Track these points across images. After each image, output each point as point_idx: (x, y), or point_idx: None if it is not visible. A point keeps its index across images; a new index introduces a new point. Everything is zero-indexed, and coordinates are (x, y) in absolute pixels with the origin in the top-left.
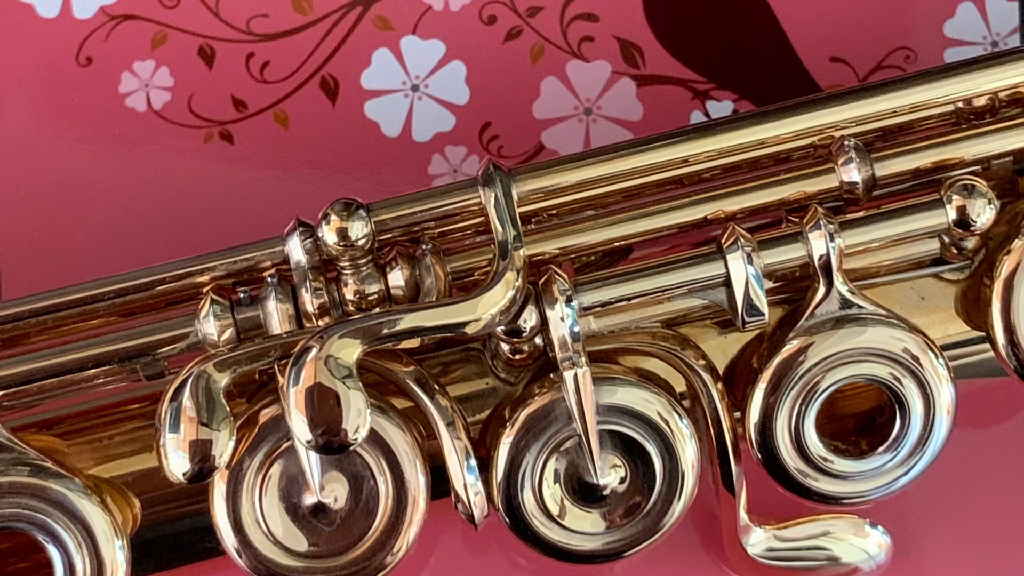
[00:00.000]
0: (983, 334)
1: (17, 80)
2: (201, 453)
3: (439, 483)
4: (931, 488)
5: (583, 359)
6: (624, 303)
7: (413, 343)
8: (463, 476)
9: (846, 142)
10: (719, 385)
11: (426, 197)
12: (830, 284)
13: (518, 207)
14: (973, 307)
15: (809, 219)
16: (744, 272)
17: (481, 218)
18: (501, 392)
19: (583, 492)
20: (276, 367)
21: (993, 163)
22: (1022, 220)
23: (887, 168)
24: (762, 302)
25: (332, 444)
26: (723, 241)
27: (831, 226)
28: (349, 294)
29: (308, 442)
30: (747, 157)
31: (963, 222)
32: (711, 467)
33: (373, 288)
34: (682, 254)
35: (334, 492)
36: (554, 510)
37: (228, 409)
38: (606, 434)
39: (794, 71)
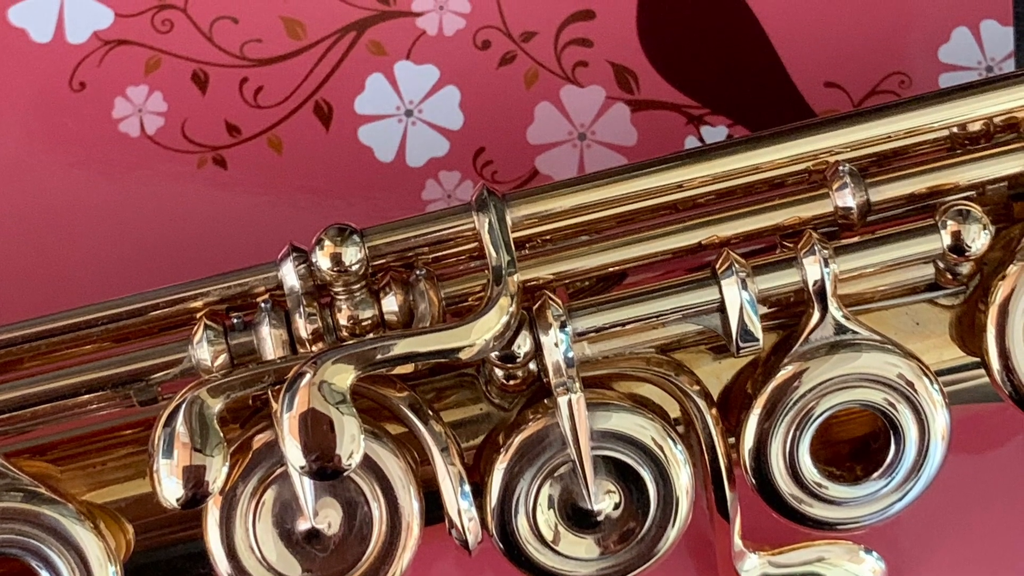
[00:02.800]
0: (978, 360)
1: (10, 105)
2: (194, 479)
3: (433, 509)
4: (926, 514)
5: (577, 385)
6: (618, 329)
7: (407, 369)
8: (457, 502)
9: (841, 167)
10: (713, 411)
11: (420, 222)
12: (825, 309)
13: (512, 232)
14: (968, 333)
15: (804, 244)
16: (738, 297)
17: (475, 243)
18: (495, 418)
19: (577, 518)
20: (270, 393)
21: (988, 188)
22: (1017, 245)
23: (882, 193)
24: (756, 327)
25: (326, 470)
26: (717, 266)
27: (826, 251)
28: (343, 319)
29: (302, 468)
30: (741, 182)
31: (958, 247)
32: (705, 493)
33: (367, 313)
34: (676, 279)
35: (328, 518)
36: (548, 536)
37: (221, 435)
38: (600, 460)
39: (788, 96)
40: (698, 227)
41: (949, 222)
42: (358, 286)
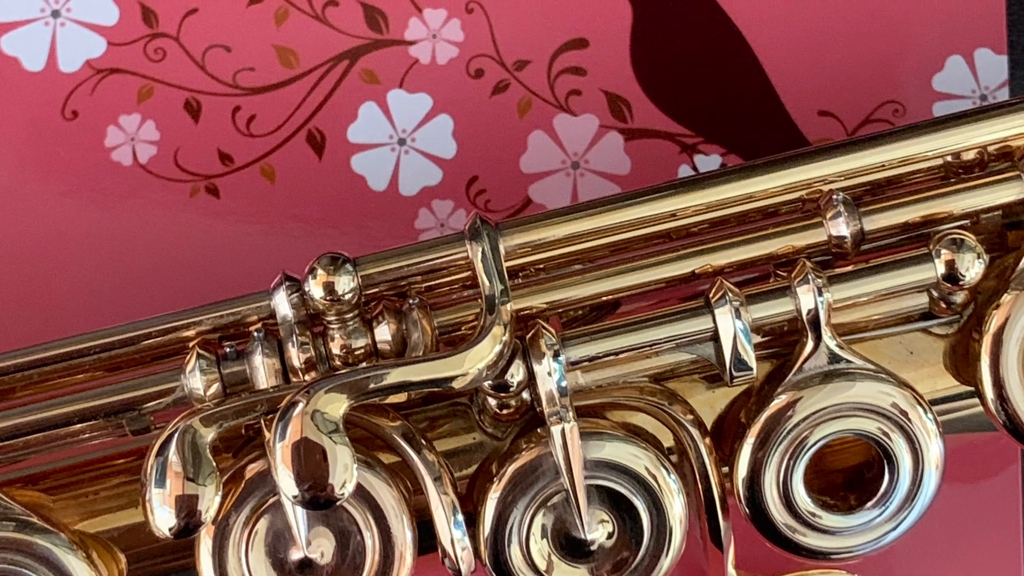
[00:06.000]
0: (972, 389)
1: (2, 134)
2: (187, 508)
3: (426, 538)
4: (919, 543)
5: (570, 414)
6: (612, 358)
7: (400, 398)
8: (450, 531)
9: (834, 196)
10: (707, 440)
11: (413, 251)
12: (818, 338)
13: (505, 261)
14: (962, 362)
15: (797, 273)
16: (732, 326)
17: (468, 272)
18: (488, 447)
19: (571, 547)
20: (262, 422)
21: (982, 217)
22: (1011, 274)
23: (876, 222)
24: (750, 356)
25: (319, 499)
26: (711, 295)
27: (819, 280)
28: (336, 348)
29: (294, 497)
30: (735, 211)
31: (952, 276)
32: (699, 522)
33: (360, 342)
34: (670, 308)
35: (321, 547)
36: (541, 565)
37: (214, 464)
38: (594, 489)
39: (782, 125)
40: (692, 256)
41: (943, 251)
42: (351, 315)
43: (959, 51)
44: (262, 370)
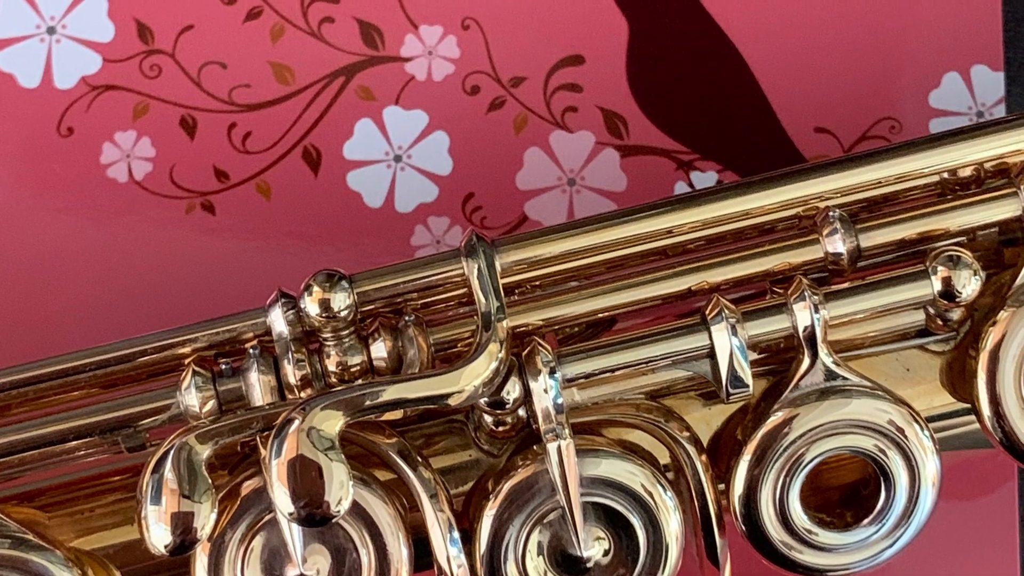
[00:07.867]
0: (969, 406)
1: None
2: (183, 525)
3: (422, 555)
4: (916, 561)
5: (567, 431)
6: (608, 375)
7: (396, 415)
8: (446, 548)
9: (831, 213)
10: (703, 457)
11: (409, 268)
12: (815, 355)
13: (501, 278)
14: (958, 379)
15: (794, 290)
16: (728, 343)
17: (464, 289)
18: (484, 464)
19: (567, 564)
20: (258, 439)
21: (978, 234)
22: (1007, 291)
23: (872, 239)
24: (746, 374)
25: (314, 516)
26: (707, 312)
27: (816, 297)
28: (331, 365)
29: (290, 514)
30: (731, 228)
31: (948, 293)
32: (695, 539)
33: (356, 359)
34: (666, 325)
35: (316, 565)
36: None
37: (210, 481)
38: (590, 506)
39: (779, 141)
40: (688, 273)
41: (940, 268)
42: (347, 332)
43: (955, 68)
44: (258, 387)
